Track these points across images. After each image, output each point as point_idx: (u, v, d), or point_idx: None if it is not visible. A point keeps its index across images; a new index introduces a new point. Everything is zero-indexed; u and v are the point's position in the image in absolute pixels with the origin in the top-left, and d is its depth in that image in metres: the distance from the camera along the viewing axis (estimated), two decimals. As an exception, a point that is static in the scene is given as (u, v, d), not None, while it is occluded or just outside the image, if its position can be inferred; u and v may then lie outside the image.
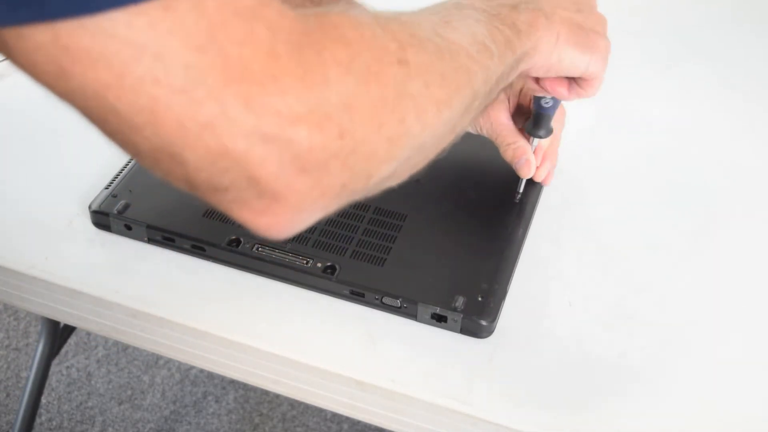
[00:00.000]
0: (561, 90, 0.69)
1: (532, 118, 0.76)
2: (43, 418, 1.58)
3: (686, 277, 0.77)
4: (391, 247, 0.75)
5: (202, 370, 1.64)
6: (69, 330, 1.46)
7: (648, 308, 0.75)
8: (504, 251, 0.75)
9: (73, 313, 0.76)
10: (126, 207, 0.77)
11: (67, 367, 1.65)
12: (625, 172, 0.88)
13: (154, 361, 1.67)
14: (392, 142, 0.46)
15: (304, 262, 0.74)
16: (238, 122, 0.40)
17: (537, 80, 0.69)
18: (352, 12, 0.46)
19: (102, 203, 0.78)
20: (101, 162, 0.83)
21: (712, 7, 1.12)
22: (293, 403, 1.60)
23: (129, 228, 0.77)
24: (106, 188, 0.79)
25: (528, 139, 0.78)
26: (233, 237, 0.75)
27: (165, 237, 0.76)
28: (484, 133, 0.79)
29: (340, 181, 0.45)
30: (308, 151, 0.42)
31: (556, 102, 0.74)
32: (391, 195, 0.79)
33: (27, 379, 1.37)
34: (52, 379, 1.63)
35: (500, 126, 0.78)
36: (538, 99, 0.74)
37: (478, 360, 0.70)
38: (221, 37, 0.39)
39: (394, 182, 0.51)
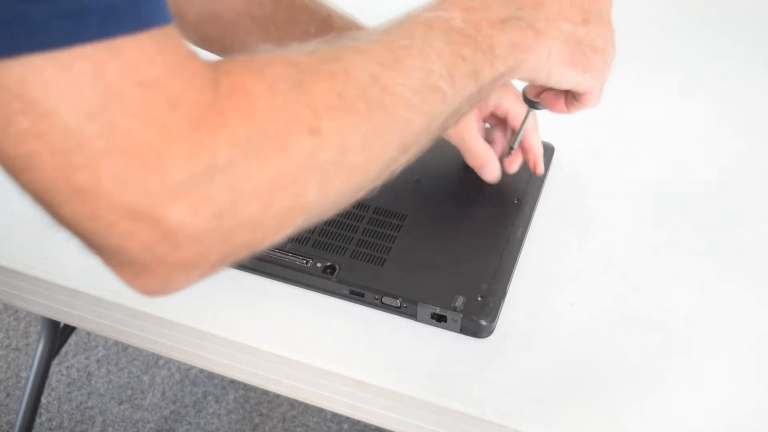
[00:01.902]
0: (560, 107, 0.67)
1: (522, 94, 0.73)
2: (43, 418, 1.58)
3: (686, 276, 0.77)
4: (391, 247, 0.75)
5: (202, 370, 1.64)
6: (69, 330, 1.46)
7: (648, 308, 0.75)
8: (504, 251, 0.75)
9: (73, 313, 0.76)
10: (126, 207, 0.77)
11: (67, 367, 1.65)
12: (625, 171, 0.88)
13: (154, 361, 1.67)
14: (284, 215, 0.44)
15: (304, 262, 0.74)
16: (110, 195, 0.39)
17: (534, 92, 0.68)
18: (277, 66, 0.44)
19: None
20: (101, 162, 0.83)
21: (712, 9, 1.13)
22: (293, 403, 1.60)
23: (129, 228, 0.77)
24: (106, 188, 0.79)
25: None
26: (233, 237, 0.75)
27: (165, 237, 0.76)
28: (451, 140, 0.78)
29: (218, 254, 0.43)
30: (180, 230, 0.40)
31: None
32: (391, 195, 0.80)
33: (27, 379, 1.37)
34: (52, 379, 1.63)
35: (466, 134, 0.78)
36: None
37: (478, 360, 0.70)
38: (115, 106, 0.38)
39: (292, 233, 0.48)
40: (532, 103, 0.71)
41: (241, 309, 0.73)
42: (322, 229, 0.76)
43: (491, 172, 0.79)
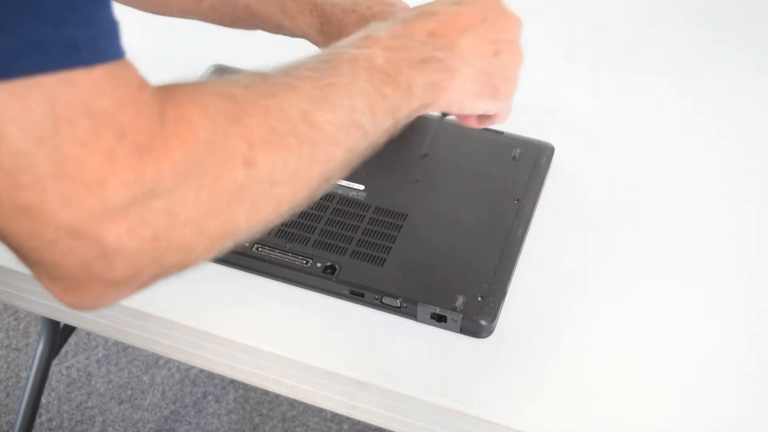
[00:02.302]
0: (471, 123, 0.71)
1: None
2: (43, 418, 1.58)
3: (687, 276, 0.77)
4: (391, 247, 0.75)
5: (202, 370, 1.63)
6: (69, 330, 1.46)
7: (648, 308, 0.75)
8: (504, 251, 0.75)
9: (73, 313, 0.76)
10: (126, 207, 0.77)
11: (67, 367, 1.65)
12: (624, 171, 0.88)
13: (154, 361, 1.67)
14: (213, 240, 0.46)
15: (304, 262, 0.74)
16: (53, 215, 0.40)
17: None
18: (217, 101, 0.46)
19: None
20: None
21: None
22: (293, 403, 1.60)
23: (129, 228, 0.77)
24: (106, 188, 0.79)
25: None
26: (233, 237, 0.75)
27: (165, 237, 0.76)
28: None
29: (150, 273, 0.45)
30: (116, 251, 0.42)
31: None
32: (391, 195, 0.80)
33: (27, 379, 1.37)
34: (52, 379, 1.63)
35: None
36: None
37: (478, 360, 0.70)
38: (65, 133, 0.39)
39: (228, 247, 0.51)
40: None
41: (241, 309, 0.73)
42: (322, 229, 0.76)
43: None
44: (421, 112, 0.61)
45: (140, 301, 0.73)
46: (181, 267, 0.47)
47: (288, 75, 0.52)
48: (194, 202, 0.44)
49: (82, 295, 0.44)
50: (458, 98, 0.63)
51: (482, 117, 0.70)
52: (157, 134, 0.42)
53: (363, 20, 0.77)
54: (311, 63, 0.54)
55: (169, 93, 0.44)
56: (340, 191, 0.80)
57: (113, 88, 0.41)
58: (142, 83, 0.43)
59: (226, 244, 0.48)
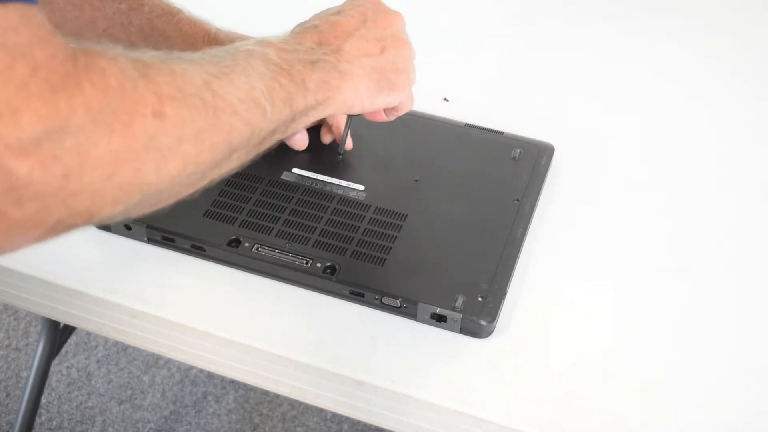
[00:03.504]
0: (380, 117, 0.75)
1: None
2: (43, 418, 1.58)
3: (688, 276, 0.77)
4: (391, 247, 0.75)
5: (202, 370, 1.63)
6: (69, 330, 1.46)
7: (648, 308, 0.75)
8: (504, 251, 0.75)
9: (73, 313, 0.76)
10: (126, 207, 0.77)
11: (67, 367, 1.65)
12: (624, 171, 0.88)
13: (154, 361, 1.67)
14: (122, 188, 0.47)
15: (304, 262, 0.74)
16: None
17: None
18: (125, 58, 0.48)
19: (102, 203, 0.78)
20: (101, 162, 0.83)
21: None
22: (293, 403, 1.60)
23: (129, 228, 0.77)
24: (106, 188, 0.79)
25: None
26: (233, 237, 0.75)
27: (165, 237, 0.76)
28: None
29: (57, 216, 0.45)
30: (26, 185, 0.43)
31: None
32: (391, 195, 0.80)
33: (27, 379, 1.37)
34: (52, 379, 1.63)
35: None
36: None
37: (478, 360, 0.70)
38: None
39: (129, 216, 0.52)
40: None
41: (241, 309, 0.73)
42: (322, 230, 0.76)
43: (299, 140, 0.83)
44: (319, 112, 0.65)
45: (140, 301, 0.73)
46: (88, 215, 0.47)
47: (190, 56, 0.55)
48: (106, 145, 0.45)
49: None
50: (356, 98, 0.67)
51: (388, 110, 0.75)
52: (70, 75, 0.44)
53: None
54: (211, 51, 0.58)
55: (79, 47, 0.46)
56: (340, 191, 0.80)
57: (27, 27, 0.43)
58: (54, 30, 0.44)
59: (135, 197, 0.49)
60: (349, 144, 0.84)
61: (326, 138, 0.85)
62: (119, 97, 0.46)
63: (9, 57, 0.42)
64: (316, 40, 0.66)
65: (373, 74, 0.68)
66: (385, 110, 0.75)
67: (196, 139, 0.51)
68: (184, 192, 0.54)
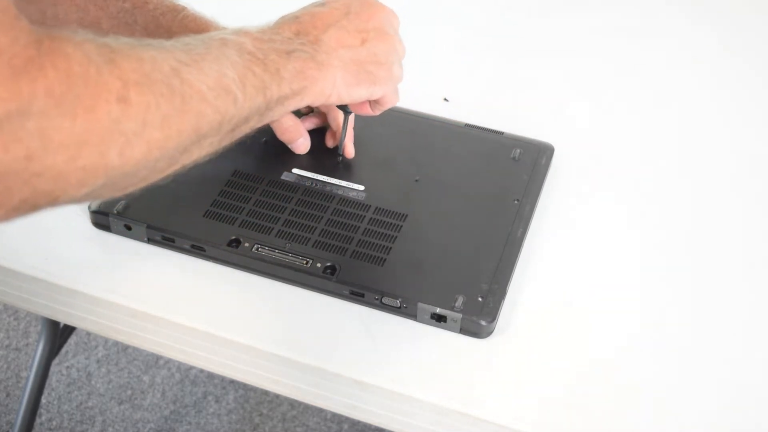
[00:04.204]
0: (366, 110, 0.76)
1: None
2: (43, 418, 1.58)
3: (688, 276, 0.77)
4: (391, 247, 0.75)
5: (202, 370, 1.63)
6: (69, 330, 1.46)
7: (649, 308, 0.75)
8: (504, 251, 0.75)
9: (73, 313, 0.76)
10: (126, 207, 0.77)
11: (67, 367, 1.65)
12: (624, 171, 0.88)
13: (154, 361, 1.67)
14: (86, 171, 0.48)
15: (304, 262, 0.74)
16: None
17: None
18: (92, 44, 0.48)
19: (101, 203, 0.78)
20: (101, 162, 0.83)
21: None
22: (293, 403, 1.60)
23: (129, 228, 0.77)
24: (106, 188, 0.79)
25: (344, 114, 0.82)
26: (233, 237, 0.75)
27: (165, 237, 0.76)
28: None
29: (20, 197, 0.46)
30: None
31: None
32: (391, 195, 0.80)
33: (27, 379, 1.37)
34: (52, 379, 1.63)
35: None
36: None
37: (478, 360, 0.70)
38: None
39: (96, 199, 0.52)
40: (344, 108, 0.80)
41: (241, 309, 0.73)
42: (322, 230, 0.76)
43: (301, 145, 0.83)
44: (296, 102, 0.65)
45: (140, 301, 0.73)
46: (52, 197, 0.48)
47: (162, 43, 0.55)
48: (68, 129, 0.46)
49: None
50: (332, 88, 0.67)
51: (373, 103, 0.75)
52: (33, 59, 0.44)
53: None
54: (184, 39, 0.58)
55: (45, 30, 0.46)
56: (340, 192, 0.80)
57: None
58: (18, 14, 0.45)
59: (99, 181, 0.49)
60: (350, 152, 0.84)
61: (330, 142, 0.85)
62: (83, 81, 0.46)
63: None
64: (294, 30, 0.66)
65: (351, 66, 0.68)
66: (370, 104, 0.75)
67: (162, 124, 0.51)
68: (154, 176, 0.54)
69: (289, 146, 0.83)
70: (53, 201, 0.48)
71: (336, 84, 0.67)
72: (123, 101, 0.48)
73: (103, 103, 0.47)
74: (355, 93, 0.70)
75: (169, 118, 0.52)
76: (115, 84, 0.48)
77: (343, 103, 0.71)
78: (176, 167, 0.56)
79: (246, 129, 0.61)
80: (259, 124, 0.63)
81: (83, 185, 0.48)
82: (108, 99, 0.48)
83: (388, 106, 0.76)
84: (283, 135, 0.82)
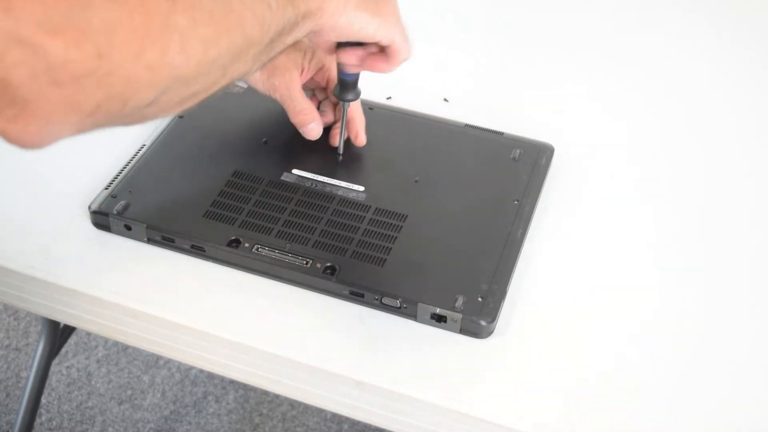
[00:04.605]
0: (381, 65, 0.74)
1: (338, 84, 0.79)
2: (43, 418, 1.58)
3: (688, 277, 0.77)
4: (391, 248, 0.75)
5: (202, 370, 1.63)
6: (69, 330, 1.46)
7: (649, 308, 0.75)
8: (504, 251, 0.75)
9: (73, 313, 0.76)
10: (126, 207, 0.77)
11: (67, 367, 1.65)
12: (624, 171, 0.88)
13: (154, 361, 1.67)
14: (152, 70, 0.49)
15: (305, 262, 0.74)
16: None
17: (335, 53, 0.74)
18: None
19: (102, 203, 0.78)
20: (101, 162, 0.83)
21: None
22: (293, 403, 1.60)
23: (129, 228, 0.77)
24: (106, 188, 0.79)
25: (340, 104, 0.81)
26: (233, 237, 0.75)
27: (165, 237, 0.76)
28: (276, 97, 0.81)
29: (95, 100, 0.47)
30: (62, 64, 0.44)
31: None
32: (391, 195, 0.80)
33: (27, 379, 1.37)
34: (52, 379, 1.63)
35: (291, 92, 0.81)
36: (340, 66, 0.77)
37: (478, 360, 0.70)
38: None
39: (159, 114, 0.53)
40: (343, 97, 0.79)
41: (241, 309, 0.73)
42: (322, 230, 0.76)
43: (313, 130, 0.82)
44: (314, 22, 0.65)
45: (140, 301, 0.73)
46: (124, 100, 0.49)
47: None
48: (128, 23, 0.47)
49: (28, 122, 0.46)
50: (344, 11, 0.67)
51: (385, 56, 0.73)
52: None
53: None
54: None
55: None
56: (340, 192, 0.80)
57: None
58: None
59: (164, 82, 0.50)
60: (362, 140, 0.84)
61: (336, 140, 0.84)
62: None
63: None
64: None
65: None
66: (384, 57, 0.73)
67: (211, 21, 0.52)
68: (210, 87, 0.55)
69: (301, 130, 0.82)
70: (124, 105, 0.49)
71: (348, 6, 0.67)
72: None
73: None
74: (365, 21, 0.68)
75: (216, 15, 0.53)
76: None
77: (353, 32, 0.69)
78: (227, 80, 0.57)
79: (279, 46, 0.61)
80: (284, 46, 0.63)
81: (150, 87, 0.49)
82: None
83: (400, 57, 0.73)
84: (296, 117, 0.82)
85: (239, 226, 0.76)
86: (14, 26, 0.43)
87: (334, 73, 0.82)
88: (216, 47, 0.53)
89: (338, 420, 1.57)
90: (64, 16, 0.44)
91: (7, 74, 0.44)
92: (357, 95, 0.80)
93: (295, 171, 0.82)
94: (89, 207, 0.78)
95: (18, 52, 0.43)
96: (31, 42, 0.43)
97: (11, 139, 0.47)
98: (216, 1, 0.53)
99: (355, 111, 0.83)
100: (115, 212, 0.77)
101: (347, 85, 0.79)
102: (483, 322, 0.70)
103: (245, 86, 0.87)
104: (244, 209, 0.78)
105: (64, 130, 0.48)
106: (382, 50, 0.73)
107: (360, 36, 0.70)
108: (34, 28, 0.43)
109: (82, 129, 0.49)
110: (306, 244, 0.75)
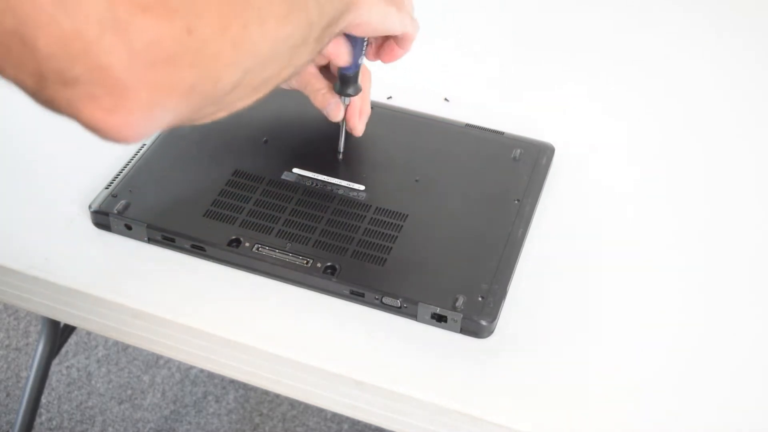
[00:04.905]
0: (393, 54, 0.76)
1: (339, 79, 0.79)
2: (43, 418, 1.58)
3: (690, 277, 0.77)
4: (391, 247, 0.75)
5: (202, 370, 1.64)
6: (69, 330, 1.46)
7: (649, 308, 0.75)
8: (504, 251, 0.75)
9: (73, 313, 0.76)
10: (126, 207, 0.77)
11: (67, 367, 1.65)
12: (625, 171, 0.88)
13: (154, 361, 1.67)
14: (236, 46, 0.49)
15: (305, 262, 0.74)
16: (90, 3, 0.42)
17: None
18: None
19: (102, 203, 0.78)
20: (101, 162, 0.83)
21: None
22: (293, 403, 1.60)
23: (129, 228, 0.77)
24: (106, 188, 0.79)
25: (340, 99, 0.81)
26: (233, 237, 0.75)
27: (165, 237, 0.76)
28: (293, 84, 0.81)
29: (189, 80, 0.47)
30: (157, 42, 0.44)
31: (355, 64, 0.77)
32: (391, 195, 0.80)
33: (27, 379, 1.37)
34: (52, 379, 1.63)
35: (308, 74, 0.80)
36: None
37: (478, 360, 0.70)
38: None
39: (241, 101, 0.54)
40: (344, 92, 0.79)
41: (242, 309, 0.73)
42: (322, 230, 0.76)
43: (337, 107, 0.81)
44: (350, 18, 0.65)
45: (140, 301, 0.73)
46: (214, 80, 0.49)
47: None
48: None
49: (129, 110, 0.45)
50: (375, 5, 0.68)
51: (398, 40, 0.75)
52: None
53: None
54: None
55: None
56: (340, 191, 0.80)
57: None
58: None
59: (247, 61, 0.51)
60: (359, 130, 0.83)
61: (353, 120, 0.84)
62: None
63: None
64: None
65: None
66: (395, 42, 0.75)
67: (283, 1, 0.53)
68: (280, 73, 0.56)
69: (325, 111, 0.81)
70: (215, 85, 0.49)
71: (372, 5, 0.68)
72: None
73: None
74: (388, 15, 0.70)
75: None
76: None
77: (382, 25, 0.71)
78: (292, 69, 0.57)
79: (327, 38, 0.62)
80: (333, 36, 0.64)
81: (235, 64, 0.50)
82: None
83: (412, 38, 0.75)
84: (316, 98, 0.81)
85: (239, 226, 0.76)
86: (107, 6, 0.42)
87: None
88: (288, 24, 0.54)
89: (338, 420, 1.57)
90: None
91: (105, 60, 0.43)
92: (357, 90, 0.80)
93: (295, 170, 0.82)
94: (90, 206, 0.78)
95: (114, 34, 0.43)
96: (125, 21, 0.43)
97: (110, 132, 0.46)
98: None
99: (362, 101, 0.83)
100: (116, 212, 0.77)
101: (348, 79, 0.78)
102: (483, 322, 0.70)
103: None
104: (244, 209, 0.78)
105: (165, 118, 0.48)
106: (386, 38, 0.75)
107: (384, 26, 0.71)
108: (127, 6, 0.43)
109: (179, 117, 0.49)
110: (306, 244, 0.75)
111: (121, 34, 0.43)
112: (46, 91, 0.45)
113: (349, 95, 0.80)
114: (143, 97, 0.45)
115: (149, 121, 0.47)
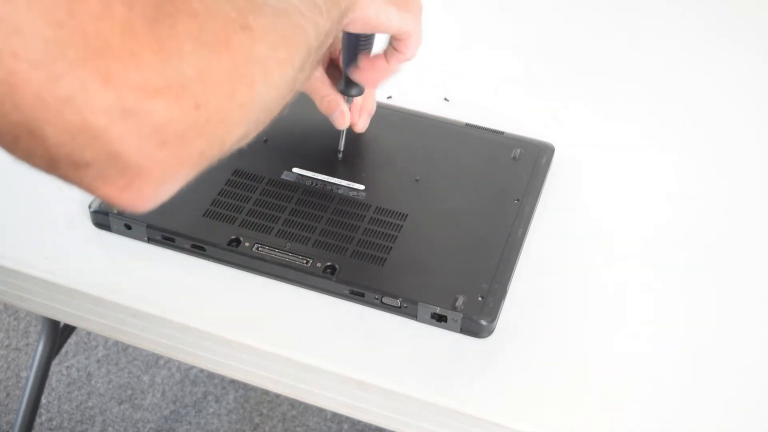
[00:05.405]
0: (381, 65, 0.75)
1: (343, 79, 0.79)
2: (43, 418, 1.58)
3: (689, 277, 0.77)
4: (391, 247, 0.75)
5: (202, 370, 1.64)
6: (69, 330, 1.46)
7: (649, 308, 0.75)
8: (504, 251, 0.75)
9: (73, 313, 0.76)
10: (126, 207, 0.77)
11: (67, 367, 1.65)
12: (625, 171, 0.88)
13: (154, 361, 1.67)
14: (243, 107, 0.49)
15: (304, 262, 0.74)
16: (98, 97, 0.41)
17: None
18: None
19: (102, 203, 0.78)
20: (101, 162, 0.83)
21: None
22: (293, 403, 1.60)
23: (129, 227, 0.77)
24: (106, 188, 0.79)
25: (344, 99, 0.81)
26: (233, 237, 0.75)
27: (165, 237, 0.76)
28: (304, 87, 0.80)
29: (198, 150, 0.47)
30: (167, 123, 0.44)
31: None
32: (391, 195, 0.80)
33: (27, 379, 1.37)
34: (52, 379, 1.63)
35: (315, 80, 0.80)
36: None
37: (478, 360, 0.70)
38: (79, 12, 0.41)
39: (245, 142, 0.53)
40: (347, 92, 0.79)
41: (242, 309, 0.73)
42: (322, 229, 0.76)
43: (342, 115, 0.81)
44: (347, 18, 0.65)
45: (140, 301, 0.73)
46: (222, 143, 0.49)
47: None
48: (217, 65, 0.46)
49: (142, 187, 0.46)
50: (373, 3, 0.67)
51: (391, 52, 0.74)
52: (157, 5, 0.44)
53: None
54: None
55: None
56: (340, 191, 0.80)
57: None
58: None
59: (252, 115, 0.50)
60: (362, 126, 0.83)
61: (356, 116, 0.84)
62: (208, 17, 0.46)
63: (104, 1, 0.42)
64: None
65: None
66: (395, 46, 0.74)
67: (284, 43, 0.52)
68: (285, 101, 0.55)
69: (330, 117, 0.81)
70: (222, 147, 0.49)
71: (370, 3, 0.68)
72: (246, 28, 0.49)
73: (231, 33, 0.48)
74: (392, 13, 0.69)
75: (286, 35, 0.53)
76: (231, 14, 0.48)
77: (378, 24, 0.70)
78: (294, 94, 0.57)
79: (325, 47, 0.61)
80: (330, 42, 0.63)
81: (241, 122, 0.49)
82: (234, 29, 0.48)
83: (409, 52, 0.74)
84: (321, 104, 0.81)
85: (239, 226, 0.76)
86: (115, 97, 0.42)
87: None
88: (291, 67, 0.53)
89: (338, 420, 1.57)
90: (160, 74, 0.43)
91: (114, 146, 0.43)
92: (361, 90, 0.80)
93: (295, 170, 0.82)
94: (89, 206, 0.78)
95: (122, 122, 0.42)
96: (135, 108, 0.42)
97: (124, 206, 0.47)
98: (283, 19, 0.53)
99: (365, 98, 0.83)
100: (116, 211, 0.77)
101: (351, 79, 0.78)
102: (483, 322, 0.70)
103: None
104: (244, 208, 0.78)
105: (174, 186, 0.48)
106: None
107: (382, 28, 0.70)
108: (135, 94, 0.42)
109: (187, 179, 0.49)
110: (306, 244, 0.75)
111: (130, 122, 0.43)
112: (58, 172, 0.45)
113: (353, 95, 0.80)
114: (155, 174, 0.45)
115: (162, 192, 0.48)
